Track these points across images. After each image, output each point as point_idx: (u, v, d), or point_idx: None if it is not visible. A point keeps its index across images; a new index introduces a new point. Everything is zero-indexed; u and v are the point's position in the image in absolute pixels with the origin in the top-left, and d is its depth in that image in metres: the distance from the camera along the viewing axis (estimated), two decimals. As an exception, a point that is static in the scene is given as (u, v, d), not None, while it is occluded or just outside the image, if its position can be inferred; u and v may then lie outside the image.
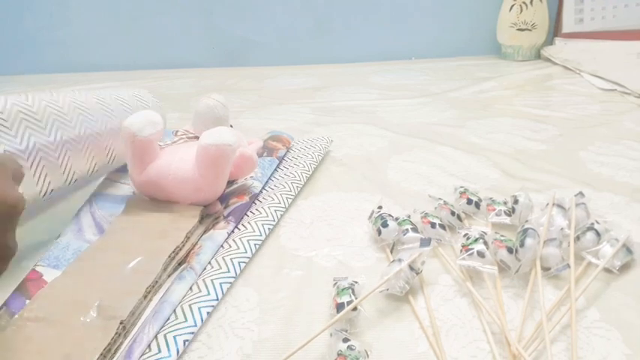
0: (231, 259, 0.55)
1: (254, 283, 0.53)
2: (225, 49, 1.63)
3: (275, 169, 0.76)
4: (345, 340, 0.42)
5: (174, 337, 0.45)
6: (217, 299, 0.50)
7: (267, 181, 0.73)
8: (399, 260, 0.50)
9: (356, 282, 0.49)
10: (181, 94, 1.34)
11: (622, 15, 1.42)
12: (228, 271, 0.54)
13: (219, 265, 0.54)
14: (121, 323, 0.45)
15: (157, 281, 0.51)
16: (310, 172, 0.76)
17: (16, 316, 0.48)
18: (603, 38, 1.43)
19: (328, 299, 0.50)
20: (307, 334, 0.44)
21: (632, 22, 1.41)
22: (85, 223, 0.64)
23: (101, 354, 0.42)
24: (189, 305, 0.49)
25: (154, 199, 0.65)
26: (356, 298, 0.47)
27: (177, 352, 0.44)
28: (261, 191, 0.70)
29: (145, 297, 0.49)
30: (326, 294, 0.51)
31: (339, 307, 0.46)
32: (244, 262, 0.56)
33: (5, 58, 1.63)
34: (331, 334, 0.44)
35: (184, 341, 0.45)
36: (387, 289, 0.49)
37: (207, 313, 0.49)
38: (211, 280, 0.52)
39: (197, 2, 1.58)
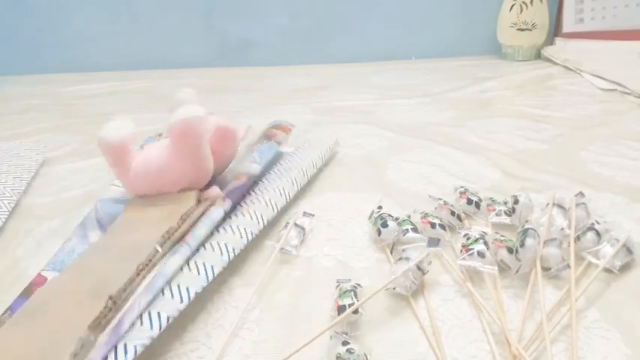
0: (225, 243, 0.55)
1: (254, 283, 0.53)
2: (225, 49, 1.63)
3: (278, 161, 0.75)
4: (345, 343, 0.42)
5: (158, 312, 0.45)
6: (207, 281, 0.50)
7: (268, 169, 0.72)
8: (407, 259, 0.50)
9: (359, 285, 0.49)
10: (181, 94, 1.33)
11: (622, 15, 1.42)
12: (222, 254, 0.54)
13: (212, 248, 0.54)
14: (110, 298, 0.45)
15: (150, 260, 0.51)
16: (315, 170, 0.76)
17: (15, 314, 0.48)
18: (603, 38, 1.43)
19: (328, 300, 0.50)
20: (307, 335, 0.44)
21: (633, 22, 1.41)
22: (90, 229, 0.65)
23: (89, 326, 0.42)
24: (178, 284, 0.48)
25: (151, 196, 0.65)
26: (358, 301, 0.47)
27: (160, 327, 0.44)
28: (261, 181, 0.69)
29: (138, 274, 0.49)
30: (326, 294, 0.51)
31: (341, 309, 0.46)
32: (240, 249, 0.56)
33: (5, 58, 1.63)
34: (331, 337, 0.44)
35: (168, 317, 0.45)
36: (394, 288, 0.49)
37: (196, 292, 0.48)
38: (203, 263, 0.52)
39: (197, 2, 1.58)
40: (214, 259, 0.53)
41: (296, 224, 0.60)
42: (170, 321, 0.45)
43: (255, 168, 0.68)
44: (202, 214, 0.60)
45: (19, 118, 1.18)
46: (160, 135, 0.71)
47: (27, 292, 0.53)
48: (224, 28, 1.61)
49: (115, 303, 0.45)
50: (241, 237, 0.57)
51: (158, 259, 0.52)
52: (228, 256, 0.54)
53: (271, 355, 0.45)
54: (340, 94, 1.26)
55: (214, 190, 0.63)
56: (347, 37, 1.61)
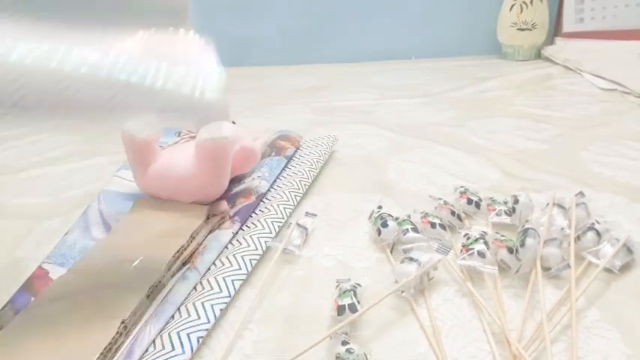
0: (242, 256, 0.55)
1: (254, 283, 0.53)
2: (225, 49, 1.63)
3: (283, 168, 0.76)
4: (344, 342, 0.42)
5: (188, 334, 0.45)
6: (230, 296, 0.50)
7: (274, 180, 0.72)
8: (416, 260, 0.50)
9: (358, 284, 0.49)
10: (181, 94, 1.33)
11: (622, 15, 1.42)
12: (240, 269, 0.54)
13: (230, 262, 0.54)
14: (122, 323, 0.45)
15: (160, 281, 0.51)
16: (317, 170, 0.76)
17: (19, 315, 0.48)
18: (604, 38, 1.43)
19: (329, 299, 0.49)
20: (307, 335, 0.44)
21: (633, 22, 1.41)
22: (92, 221, 0.65)
23: (102, 353, 0.42)
24: (202, 303, 0.48)
25: (160, 199, 0.65)
26: (358, 301, 0.47)
27: (192, 349, 0.44)
28: (269, 190, 0.69)
29: (148, 297, 0.49)
30: (326, 294, 0.51)
31: (340, 309, 0.46)
32: (255, 260, 0.56)
33: (5, 58, 1.63)
34: (331, 337, 0.44)
35: (198, 338, 0.45)
36: (402, 292, 0.49)
37: (220, 310, 0.48)
38: (223, 278, 0.52)
39: (197, 2, 1.57)
40: (234, 274, 0.53)
41: (298, 224, 0.60)
42: (200, 342, 0.45)
43: (264, 186, 0.69)
44: (210, 231, 0.60)
45: (19, 118, 1.17)
46: (179, 134, 0.71)
47: (28, 286, 0.53)
48: (224, 27, 1.61)
49: (125, 327, 0.46)
50: (256, 248, 0.57)
51: (167, 280, 0.53)
52: (247, 269, 0.54)
53: (272, 355, 0.45)
54: (340, 94, 1.26)
55: (223, 205, 0.64)
56: (347, 37, 1.61)
